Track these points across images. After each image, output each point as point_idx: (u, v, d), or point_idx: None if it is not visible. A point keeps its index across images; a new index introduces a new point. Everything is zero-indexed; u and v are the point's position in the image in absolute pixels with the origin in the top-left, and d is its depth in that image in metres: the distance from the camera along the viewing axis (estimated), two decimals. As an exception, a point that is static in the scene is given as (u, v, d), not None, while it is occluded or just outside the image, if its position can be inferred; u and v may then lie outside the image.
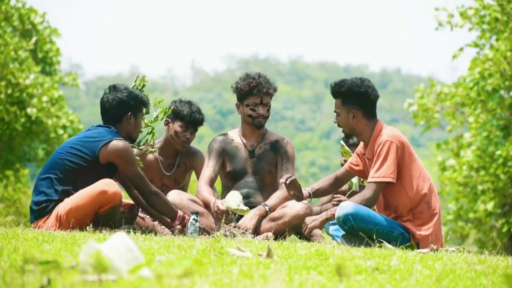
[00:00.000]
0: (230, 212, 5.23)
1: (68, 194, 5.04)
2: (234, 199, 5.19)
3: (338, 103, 4.99)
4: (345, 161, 5.67)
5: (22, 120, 15.05)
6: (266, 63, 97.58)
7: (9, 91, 14.81)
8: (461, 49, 14.41)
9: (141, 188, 5.17)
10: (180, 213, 5.23)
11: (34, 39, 15.87)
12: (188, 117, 5.83)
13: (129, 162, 5.11)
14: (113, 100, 5.24)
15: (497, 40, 13.87)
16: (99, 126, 5.27)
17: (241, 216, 5.35)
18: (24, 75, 14.91)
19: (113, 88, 5.29)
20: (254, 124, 5.53)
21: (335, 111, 5.04)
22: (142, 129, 5.38)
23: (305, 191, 5.09)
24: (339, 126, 5.05)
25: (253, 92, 5.48)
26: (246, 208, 5.16)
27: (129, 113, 5.24)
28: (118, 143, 5.09)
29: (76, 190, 5.04)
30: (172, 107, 5.79)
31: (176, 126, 5.86)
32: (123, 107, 5.24)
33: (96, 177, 5.04)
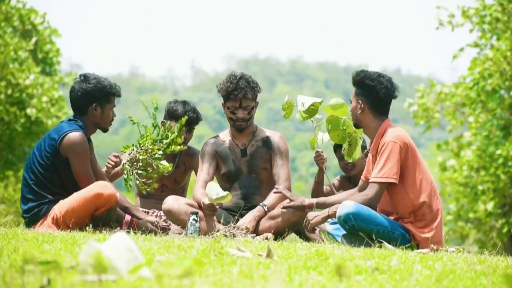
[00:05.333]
0: (217, 206, 5.19)
1: (53, 193, 5.01)
2: (212, 190, 5.15)
3: (353, 92, 5.03)
4: (318, 152, 5.60)
5: (22, 120, 15.03)
6: (266, 63, 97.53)
7: (9, 91, 14.80)
8: (462, 49, 14.40)
9: (82, 188, 5.03)
10: (127, 218, 5.19)
11: (34, 39, 15.86)
12: (182, 117, 5.80)
13: (76, 156, 5.01)
14: (78, 91, 5.16)
15: (497, 39, 13.87)
16: (64, 121, 5.21)
17: (239, 218, 5.35)
18: (24, 75, 14.90)
19: (83, 78, 5.20)
20: (235, 127, 5.47)
21: (349, 99, 5.05)
22: (114, 118, 5.25)
23: (311, 201, 5.11)
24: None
25: (230, 97, 5.41)
26: (225, 193, 5.10)
27: (94, 104, 5.16)
28: (70, 136, 5.02)
29: (56, 187, 5.01)
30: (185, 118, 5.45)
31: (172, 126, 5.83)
32: (87, 98, 5.15)
33: (66, 173, 5.01)
